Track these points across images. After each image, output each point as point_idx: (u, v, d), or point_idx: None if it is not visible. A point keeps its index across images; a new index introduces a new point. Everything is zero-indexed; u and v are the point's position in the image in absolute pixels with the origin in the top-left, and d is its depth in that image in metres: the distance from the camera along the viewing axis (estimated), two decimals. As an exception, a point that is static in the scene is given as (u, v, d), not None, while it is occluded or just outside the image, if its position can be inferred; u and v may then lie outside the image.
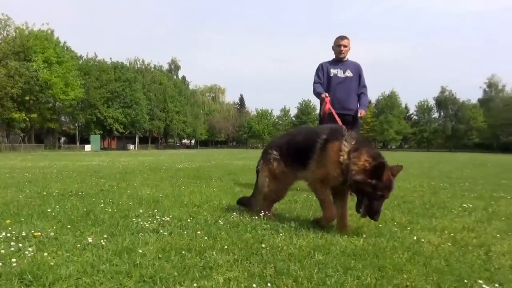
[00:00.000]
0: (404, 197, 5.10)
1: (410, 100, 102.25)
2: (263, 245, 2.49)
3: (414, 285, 1.91)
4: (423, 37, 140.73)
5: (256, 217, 3.36)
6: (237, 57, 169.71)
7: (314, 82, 5.53)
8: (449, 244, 2.67)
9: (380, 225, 3.19)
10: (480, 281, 1.92)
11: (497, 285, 1.90)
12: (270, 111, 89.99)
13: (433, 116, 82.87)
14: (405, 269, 2.13)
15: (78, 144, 52.81)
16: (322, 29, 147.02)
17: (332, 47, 5.55)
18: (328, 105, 5.08)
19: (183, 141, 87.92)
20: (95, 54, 57.58)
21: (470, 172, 11.16)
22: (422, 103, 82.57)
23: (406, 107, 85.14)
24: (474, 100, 78.35)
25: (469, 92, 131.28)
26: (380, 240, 2.73)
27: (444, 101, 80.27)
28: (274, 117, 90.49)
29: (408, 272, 2.09)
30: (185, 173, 8.83)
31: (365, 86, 5.58)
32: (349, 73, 5.44)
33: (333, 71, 5.45)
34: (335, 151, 2.94)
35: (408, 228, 3.10)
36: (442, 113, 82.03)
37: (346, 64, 5.50)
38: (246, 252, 2.37)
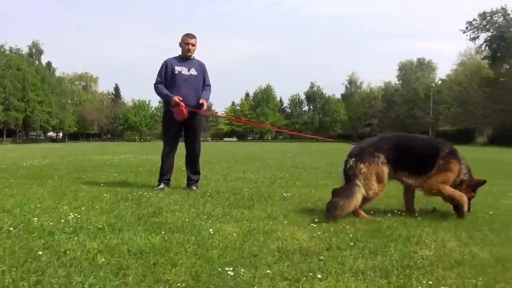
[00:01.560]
0: (238, 190, 5.39)
1: (284, 93, 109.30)
2: (40, 252, 2.37)
3: (174, 278, 2.03)
4: (296, 35, 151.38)
5: (57, 221, 3.21)
6: (112, 43, 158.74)
7: (157, 83, 5.54)
8: (235, 234, 2.90)
9: (187, 220, 3.33)
10: (231, 268, 2.13)
11: (243, 270, 2.14)
12: (147, 102, 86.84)
13: (303, 109, 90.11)
14: (177, 263, 2.25)
15: None
16: (202, 20, 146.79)
17: (180, 43, 5.59)
18: (186, 110, 5.20)
19: (49, 134, 79.26)
20: None
21: (316, 161, 12.44)
22: (294, 97, 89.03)
23: (280, 100, 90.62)
24: (338, 95, 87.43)
25: (334, 87, 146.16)
26: (178, 236, 2.84)
27: (313, 95, 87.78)
28: (152, 109, 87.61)
29: (179, 266, 2.21)
30: (26, 172, 7.95)
31: (209, 85, 5.76)
32: (193, 71, 5.56)
33: (177, 69, 5.50)
34: (457, 170, 3.74)
35: (209, 221, 3.29)
36: (311, 107, 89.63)
37: (191, 62, 5.61)
38: (19, 262, 2.23)
